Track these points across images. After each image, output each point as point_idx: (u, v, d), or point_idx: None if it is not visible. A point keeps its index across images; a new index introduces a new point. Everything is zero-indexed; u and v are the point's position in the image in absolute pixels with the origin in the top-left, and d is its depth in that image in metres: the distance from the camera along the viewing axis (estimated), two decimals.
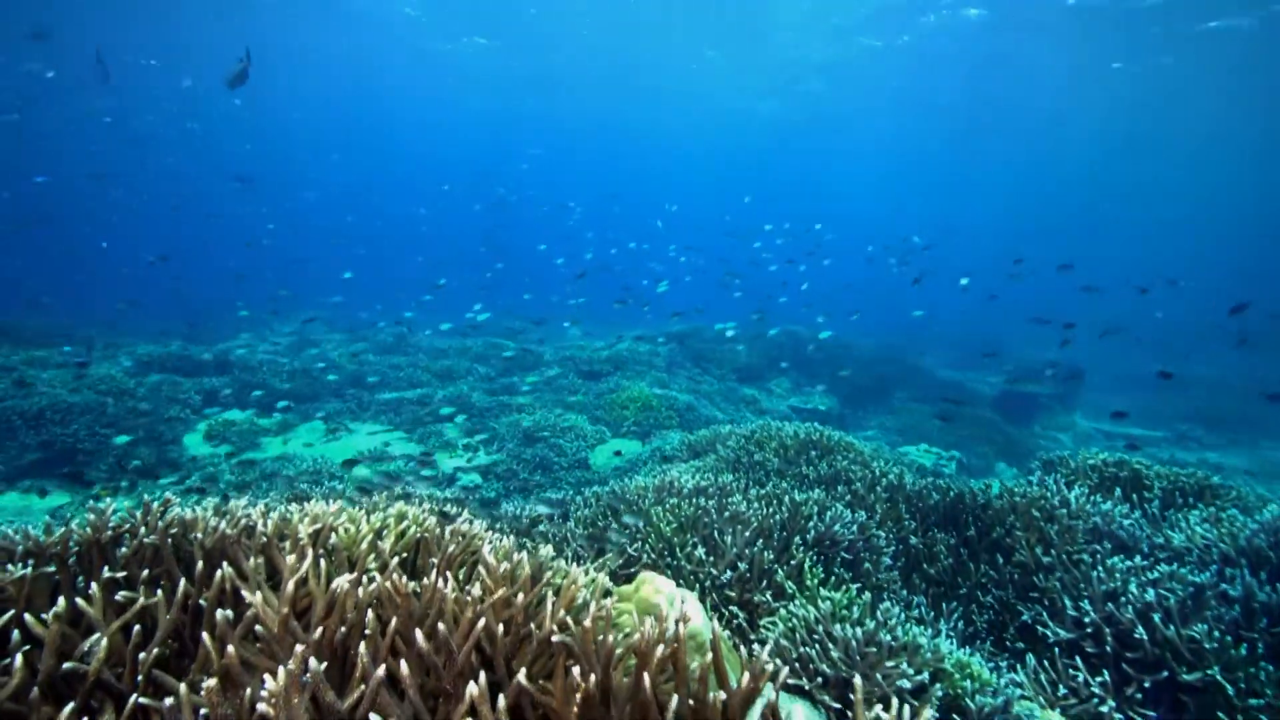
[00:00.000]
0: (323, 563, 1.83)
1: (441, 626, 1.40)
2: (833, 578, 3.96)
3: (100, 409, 10.41)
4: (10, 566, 1.86)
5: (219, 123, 45.38)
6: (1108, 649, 3.34)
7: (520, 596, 1.60)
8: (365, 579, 1.82)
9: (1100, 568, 3.77)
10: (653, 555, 4.12)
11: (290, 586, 1.51)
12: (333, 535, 2.03)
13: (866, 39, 30.29)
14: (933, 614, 4.28)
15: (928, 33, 28.74)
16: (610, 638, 1.43)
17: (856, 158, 55.88)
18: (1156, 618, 3.18)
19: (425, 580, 1.97)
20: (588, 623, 1.57)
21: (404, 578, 1.72)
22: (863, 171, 61.29)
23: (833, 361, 17.53)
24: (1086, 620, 3.49)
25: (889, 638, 3.11)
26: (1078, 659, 3.46)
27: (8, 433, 9.37)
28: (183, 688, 1.24)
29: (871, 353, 19.04)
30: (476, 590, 1.55)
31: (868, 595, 3.54)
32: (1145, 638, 3.16)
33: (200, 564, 1.89)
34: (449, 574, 1.84)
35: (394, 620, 1.45)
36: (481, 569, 1.87)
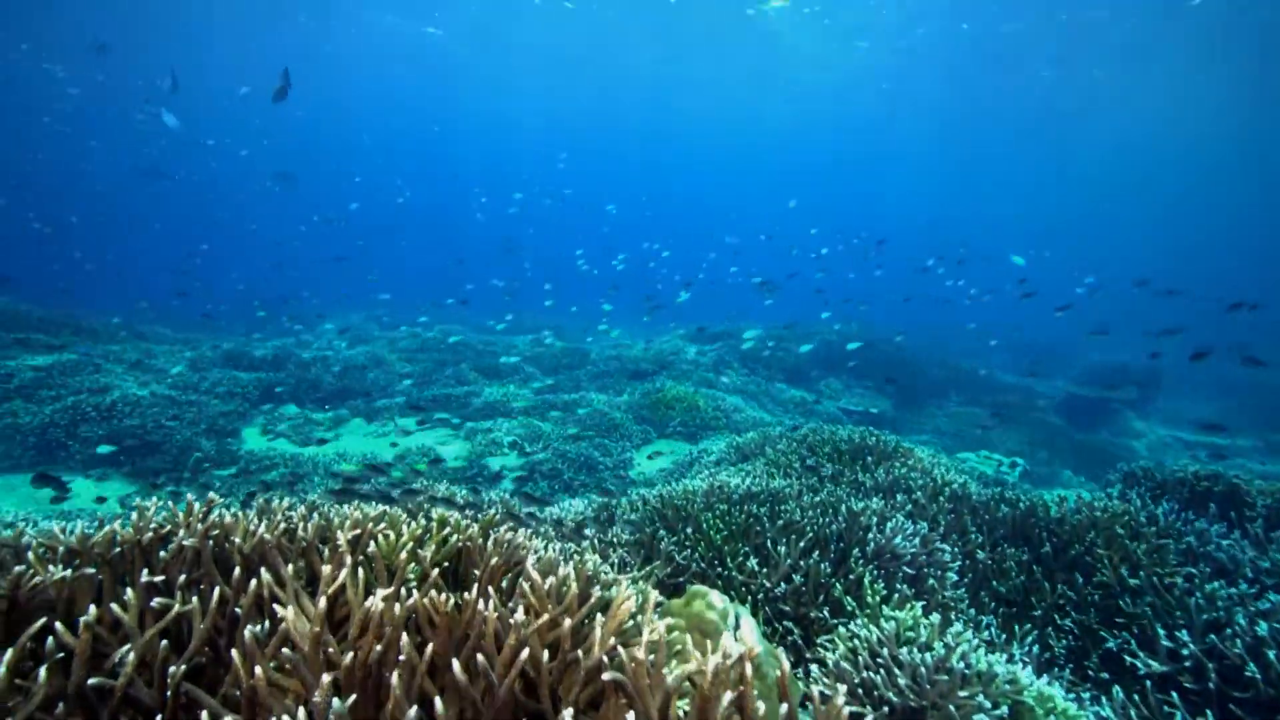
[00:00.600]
0: (360, 572, 1.73)
1: (481, 658, 1.27)
2: (895, 595, 3.71)
3: (166, 402, 10.85)
4: (52, 567, 1.82)
5: (262, 133, 47.54)
6: (1210, 686, 3.01)
7: (567, 621, 1.46)
8: (404, 591, 1.71)
9: (1199, 594, 3.41)
10: (702, 564, 3.95)
11: (323, 603, 1.41)
12: (372, 543, 1.93)
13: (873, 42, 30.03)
14: (1004, 636, 3.98)
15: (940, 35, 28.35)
16: (668, 676, 1.28)
17: (887, 160, 55.47)
18: (1271, 654, 2.84)
19: (466, 594, 1.85)
20: (640, 653, 1.41)
21: (443, 594, 1.60)
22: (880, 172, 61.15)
23: (885, 364, 16.96)
24: (1185, 652, 3.16)
25: (961, 664, 2.86)
26: (1174, 694, 3.13)
27: (81, 423, 9.85)
28: (205, 715, 1.14)
29: (925, 355, 18.37)
30: (520, 615, 1.42)
31: (935, 616, 3.29)
32: (1259, 676, 2.82)
33: (237, 570, 1.81)
34: (491, 589, 1.72)
35: (431, 645, 1.33)
36: (525, 584, 1.74)
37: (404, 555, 1.90)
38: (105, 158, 50.52)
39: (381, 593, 1.54)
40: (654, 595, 2.02)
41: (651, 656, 1.51)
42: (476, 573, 1.97)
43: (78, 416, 9.89)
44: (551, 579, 1.79)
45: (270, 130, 49.92)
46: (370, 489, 4.32)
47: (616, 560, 4.10)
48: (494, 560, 1.86)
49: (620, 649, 1.51)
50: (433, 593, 1.55)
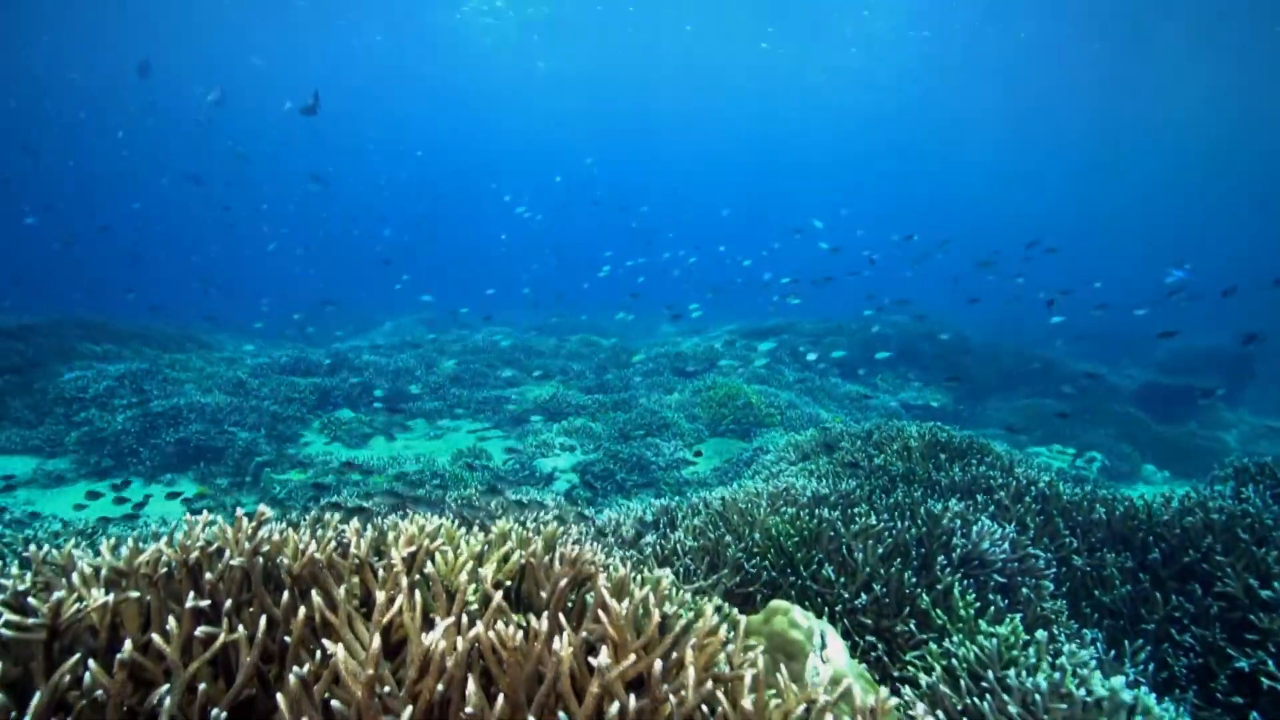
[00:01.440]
0: (418, 594, 1.55)
1: (563, 716, 1.07)
2: (991, 608, 3.37)
3: (229, 408, 11.15)
4: (96, 590, 1.70)
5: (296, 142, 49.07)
6: None
7: (658, 663, 1.24)
8: (465, 619, 1.52)
9: None
10: (773, 572, 3.69)
11: (377, 640, 1.23)
12: (429, 563, 1.76)
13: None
14: (1112, 653, 3.59)
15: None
16: None
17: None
18: None
19: (533, 617, 1.65)
20: (747, 704, 1.18)
21: (510, 625, 1.40)
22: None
23: (947, 355, 16.25)
24: None
25: (1081, 690, 2.53)
26: None
27: (151, 430, 10.19)
28: None
29: (988, 346, 17.54)
30: (604, 658, 1.21)
31: (1041, 632, 2.95)
32: None
33: (286, 594, 1.66)
34: (562, 618, 1.51)
35: (500, 700, 1.14)
36: (600, 612, 1.52)
37: (464, 576, 1.71)
38: (103, 153, 52.96)
39: (441, 625, 1.35)
40: (742, 620, 1.79)
41: (752, 700, 1.28)
42: (543, 594, 1.77)
43: (147, 424, 10.24)
44: (627, 603, 1.58)
45: (300, 136, 51.33)
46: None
47: (680, 569, 3.88)
48: (562, 583, 1.66)
49: (719, 694, 1.28)
50: (499, 625, 1.35)
